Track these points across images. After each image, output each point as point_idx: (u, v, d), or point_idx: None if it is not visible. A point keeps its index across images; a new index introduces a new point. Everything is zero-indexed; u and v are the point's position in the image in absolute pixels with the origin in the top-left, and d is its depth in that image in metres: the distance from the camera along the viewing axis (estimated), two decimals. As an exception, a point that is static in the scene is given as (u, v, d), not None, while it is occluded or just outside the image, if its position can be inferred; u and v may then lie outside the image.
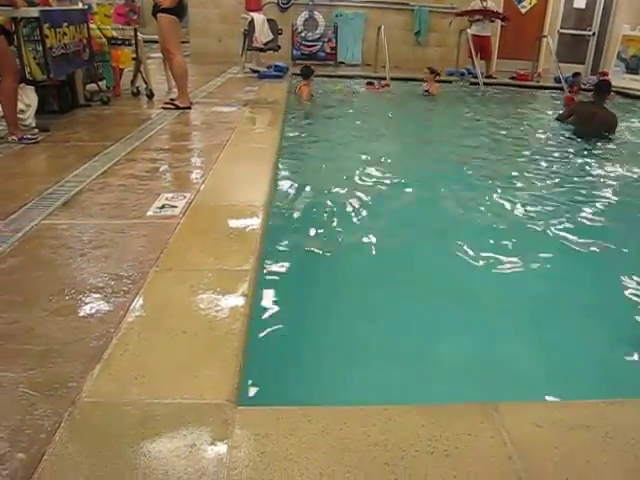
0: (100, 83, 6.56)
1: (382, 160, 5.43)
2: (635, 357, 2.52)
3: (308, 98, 8.04)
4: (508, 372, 2.32)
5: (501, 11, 11.93)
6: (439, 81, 9.68)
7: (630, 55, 11.36)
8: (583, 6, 13.39)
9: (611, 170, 5.46)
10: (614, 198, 4.63)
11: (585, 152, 6.11)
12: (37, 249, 2.65)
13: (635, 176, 5.37)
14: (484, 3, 11.25)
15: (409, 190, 4.57)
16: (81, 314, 2.12)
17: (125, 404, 1.64)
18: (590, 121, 6.54)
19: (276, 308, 2.62)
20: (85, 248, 2.66)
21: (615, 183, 5.08)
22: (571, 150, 6.19)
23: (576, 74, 10.49)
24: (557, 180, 5.07)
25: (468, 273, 3.16)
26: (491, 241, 3.56)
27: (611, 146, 6.42)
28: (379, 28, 10.70)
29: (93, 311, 2.13)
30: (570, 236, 3.71)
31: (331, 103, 8.33)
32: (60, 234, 2.82)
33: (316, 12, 12.10)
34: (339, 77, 10.51)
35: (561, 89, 10.51)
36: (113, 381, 1.73)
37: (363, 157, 5.52)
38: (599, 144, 6.38)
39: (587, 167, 5.57)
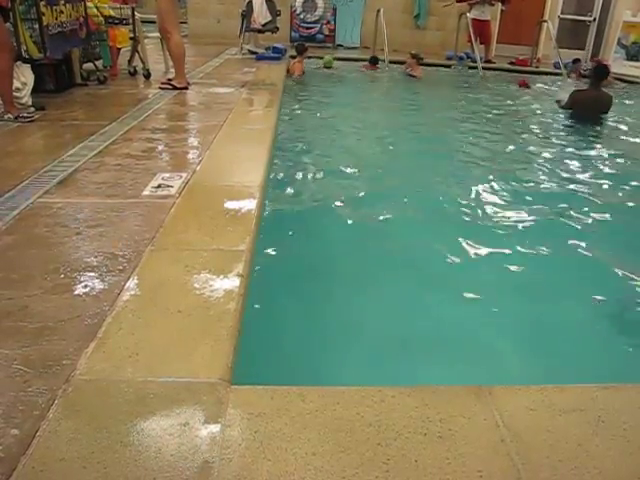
0: (97, 62, 6.49)
1: (375, 136, 5.46)
2: (629, 342, 2.53)
3: (300, 74, 8.26)
4: (502, 356, 2.33)
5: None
6: (424, 64, 9.91)
7: (631, 42, 11.30)
8: (584, -9, 13.27)
9: (611, 155, 5.48)
10: (610, 183, 4.64)
11: (586, 137, 6.16)
12: (33, 227, 2.63)
13: (630, 161, 5.39)
14: None
15: (404, 169, 4.58)
16: (76, 292, 2.11)
17: (119, 382, 1.64)
18: (591, 107, 6.66)
19: (272, 289, 2.62)
20: (81, 227, 2.65)
21: (610, 168, 5.10)
22: (571, 137, 6.21)
23: (576, 60, 10.46)
24: (553, 165, 5.06)
25: (461, 258, 3.16)
26: (483, 226, 3.57)
27: (608, 129, 6.52)
28: (378, 11, 10.64)
29: (88, 289, 2.13)
30: (565, 222, 3.72)
31: (321, 80, 8.42)
32: (56, 212, 2.81)
33: (315, -7, 11.98)
34: (338, 59, 10.45)
35: (560, 75, 10.48)
36: (107, 359, 1.73)
37: (356, 136, 5.52)
38: (597, 128, 6.48)
39: (587, 152, 5.59)
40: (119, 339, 1.83)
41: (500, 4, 11.52)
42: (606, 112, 6.81)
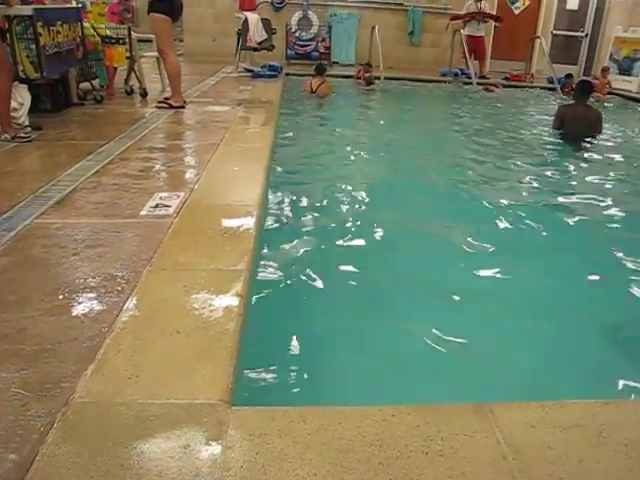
0: (94, 82, 6.53)
1: (376, 155, 5.49)
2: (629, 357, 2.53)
3: (327, 93, 8.56)
4: (503, 372, 2.32)
5: (495, 12, 12.04)
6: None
7: (622, 56, 11.46)
8: (576, 7, 13.50)
9: (599, 171, 5.50)
10: (600, 198, 4.66)
11: (573, 155, 6.17)
12: (30, 248, 2.63)
13: (620, 176, 5.42)
14: (478, 4, 11.31)
15: (404, 188, 4.60)
16: (74, 314, 2.11)
17: (119, 404, 1.63)
18: (577, 123, 6.56)
19: (271, 308, 2.62)
20: (78, 247, 2.65)
21: (600, 184, 5.12)
22: (558, 154, 6.23)
23: (569, 75, 10.58)
24: (545, 181, 5.10)
25: (458, 273, 3.17)
26: (478, 240, 3.57)
27: (599, 146, 6.47)
28: (373, 28, 10.74)
29: (86, 311, 2.12)
30: (560, 235, 3.75)
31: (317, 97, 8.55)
32: (53, 233, 2.81)
33: (310, 12, 12.11)
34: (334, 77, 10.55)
35: (554, 89, 10.58)
36: (106, 381, 1.73)
37: (356, 152, 5.56)
38: (587, 145, 6.43)
39: (575, 170, 5.60)
40: (118, 361, 1.82)
41: (493, 22, 11.67)
42: (596, 131, 6.63)
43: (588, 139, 6.53)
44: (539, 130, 7.39)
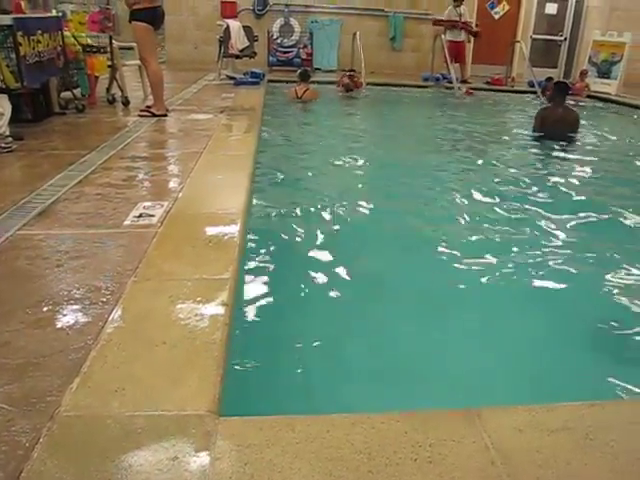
0: (75, 91, 6.49)
1: (358, 160, 5.54)
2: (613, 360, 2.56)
3: (313, 98, 8.73)
4: (489, 377, 2.33)
5: (474, 17, 12.22)
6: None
7: (601, 60, 11.66)
8: (554, 12, 13.75)
9: (580, 171, 5.64)
10: (582, 198, 4.78)
11: (554, 154, 6.31)
12: (13, 260, 2.60)
13: (599, 175, 5.55)
14: (458, 10, 11.43)
15: (386, 193, 4.62)
16: (59, 326, 2.09)
17: (105, 417, 1.62)
18: (557, 124, 6.74)
19: (257, 316, 2.61)
20: (62, 259, 2.63)
21: (581, 185, 5.22)
22: (539, 154, 6.36)
23: (549, 79, 10.70)
24: (523, 184, 5.16)
25: (442, 283, 3.17)
26: (461, 246, 3.60)
27: (579, 145, 6.68)
28: (354, 34, 10.80)
29: (71, 323, 2.10)
30: (542, 241, 3.76)
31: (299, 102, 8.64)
32: (36, 244, 2.78)
33: (291, 19, 12.15)
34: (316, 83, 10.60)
35: (535, 93, 10.70)
36: (93, 394, 1.71)
37: (339, 159, 5.59)
38: (566, 145, 6.58)
39: (556, 170, 5.71)
40: (104, 373, 1.80)
41: (471, 36, 11.85)
42: (575, 131, 6.90)
43: (568, 139, 6.71)
44: (519, 132, 7.50)
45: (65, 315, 2.16)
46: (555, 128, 6.70)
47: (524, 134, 7.29)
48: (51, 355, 1.91)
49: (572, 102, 9.46)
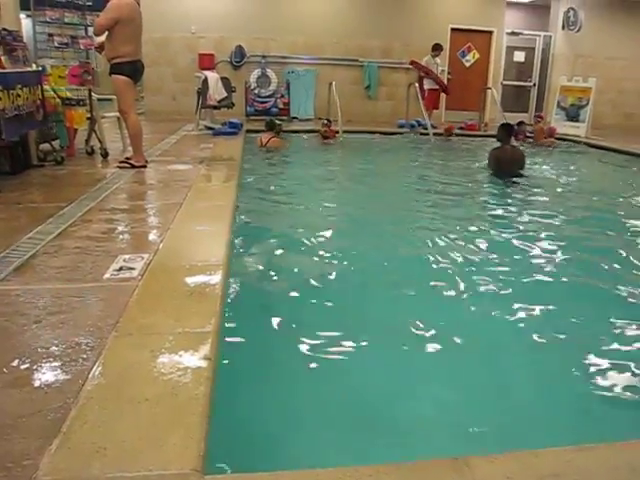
0: (54, 143, 6.51)
1: (338, 207, 5.70)
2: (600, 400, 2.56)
3: (278, 146, 8.99)
4: (476, 424, 2.32)
5: (447, 65, 12.70)
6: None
7: (569, 104, 12.13)
8: (522, 59, 14.39)
9: (533, 202, 6.24)
10: (538, 226, 5.20)
11: (507, 189, 6.97)
12: (-11, 317, 2.56)
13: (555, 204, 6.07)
14: (436, 59, 11.96)
15: (367, 240, 4.67)
16: (37, 385, 2.04)
17: (86, 480, 1.57)
18: (508, 162, 7.46)
19: (241, 370, 2.58)
20: (40, 314, 2.59)
21: (538, 213, 5.68)
22: (495, 191, 6.97)
23: (520, 123, 11.01)
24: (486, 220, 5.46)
25: (426, 323, 3.18)
26: (437, 287, 3.66)
27: (529, 180, 7.39)
28: (330, 84, 11.05)
29: (50, 381, 2.06)
30: (517, 277, 3.85)
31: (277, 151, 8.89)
32: (13, 300, 2.74)
33: (268, 69, 12.42)
34: (293, 132, 10.78)
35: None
36: (73, 456, 1.66)
37: (319, 206, 5.67)
38: (518, 180, 7.26)
39: (510, 202, 6.28)
40: (84, 433, 1.76)
41: (441, 91, 12.30)
42: (522, 168, 7.60)
43: (518, 175, 7.42)
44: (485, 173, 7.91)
45: (44, 373, 2.11)
46: (506, 166, 7.43)
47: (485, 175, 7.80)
48: (29, 415, 1.86)
49: (531, 146, 10.50)
